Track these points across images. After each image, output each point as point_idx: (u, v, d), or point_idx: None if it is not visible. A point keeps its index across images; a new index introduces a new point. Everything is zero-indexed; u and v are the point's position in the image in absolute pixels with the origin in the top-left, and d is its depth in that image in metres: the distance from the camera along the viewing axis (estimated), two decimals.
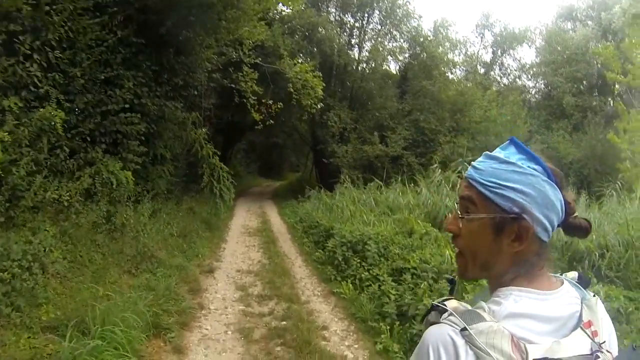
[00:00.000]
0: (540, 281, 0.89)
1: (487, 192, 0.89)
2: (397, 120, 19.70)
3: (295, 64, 11.49)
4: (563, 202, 0.89)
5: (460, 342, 0.78)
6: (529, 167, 0.87)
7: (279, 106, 12.05)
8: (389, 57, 23.16)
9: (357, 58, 22.27)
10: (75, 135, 8.09)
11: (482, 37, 31.24)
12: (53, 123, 6.77)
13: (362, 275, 6.80)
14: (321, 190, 13.69)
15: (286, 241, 10.94)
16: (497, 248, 0.89)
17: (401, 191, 11.80)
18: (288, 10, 16.10)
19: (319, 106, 11.97)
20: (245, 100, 11.71)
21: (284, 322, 5.68)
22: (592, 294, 0.94)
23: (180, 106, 10.16)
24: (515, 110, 22.35)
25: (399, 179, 12.88)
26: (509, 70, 31.82)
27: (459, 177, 10.56)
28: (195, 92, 11.26)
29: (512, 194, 0.86)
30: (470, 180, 0.92)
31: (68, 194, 7.01)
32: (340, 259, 7.71)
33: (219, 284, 7.32)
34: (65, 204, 6.83)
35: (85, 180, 7.93)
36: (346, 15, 22.22)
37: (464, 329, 0.79)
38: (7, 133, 5.66)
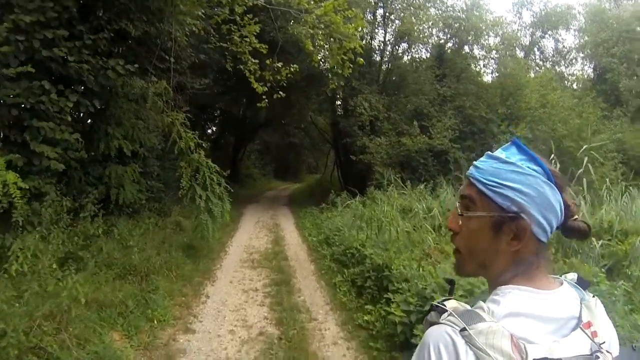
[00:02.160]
0: (538, 280, 0.85)
1: (487, 191, 0.86)
2: (438, 107, 15.42)
3: (315, 6, 7.15)
4: (563, 204, 0.86)
5: (460, 342, 0.73)
6: (528, 167, 0.85)
7: (291, 69, 7.77)
8: (420, 45, 18.85)
9: (384, 39, 17.99)
10: None
11: (519, 17, 26.54)
12: None
13: None
14: (356, 197, 9.53)
15: (308, 279, 6.76)
16: (496, 246, 0.86)
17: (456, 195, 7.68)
18: None
19: (354, 64, 7.57)
20: (242, 67, 7.56)
21: None
22: (591, 295, 0.90)
23: (136, 70, 6.08)
24: (580, 93, 17.90)
25: (460, 177, 8.77)
26: (549, 55, 26.90)
27: None
28: (167, 56, 7.11)
29: (511, 194, 0.84)
30: (472, 179, 0.89)
31: None
32: None
33: None
34: None
35: None
36: None
37: (463, 329, 0.74)
38: None
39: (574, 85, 25.95)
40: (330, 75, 8.71)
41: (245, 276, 6.75)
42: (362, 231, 7.18)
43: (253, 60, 7.45)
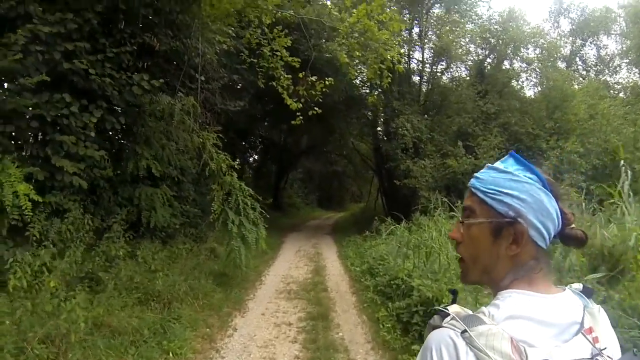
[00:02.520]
0: (538, 284, 0.85)
1: (486, 199, 0.89)
2: (482, 126, 14.51)
3: (347, 14, 6.59)
4: (559, 211, 0.88)
5: (461, 343, 0.74)
6: (525, 176, 0.88)
7: (326, 83, 7.22)
8: (459, 63, 18.05)
9: (422, 58, 17.30)
10: None
11: (557, 26, 25.03)
12: None
13: None
14: (401, 223, 8.75)
15: (348, 312, 6.00)
16: (496, 252, 0.87)
17: None
18: None
19: (393, 71, 6.95)
20: (275, 83, 7.13)
21: None
22: (595, 303, 0.90)
23: (162, 85, 5.78)
24: (631, 99, 16.50)
25: None
26: (592, 63, 25.03)
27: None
28: (195, 73, 6.79)
29: (508, 200, 0.86)
30: (472, 189, 0.92)
31: None
32: None
33: None
34: None
35: None
36: (403, 12, 17.32)
37: (464, 332, 0.75)
38: None
39: (621, 94, 24.05)
40: (369, 89, 8.14)
41: (280, 308, 6.08)
42: (408, 259, 6.38)
43: (286, 76, 7.02)
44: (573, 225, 0.90)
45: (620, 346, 0.86)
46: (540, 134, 14.04)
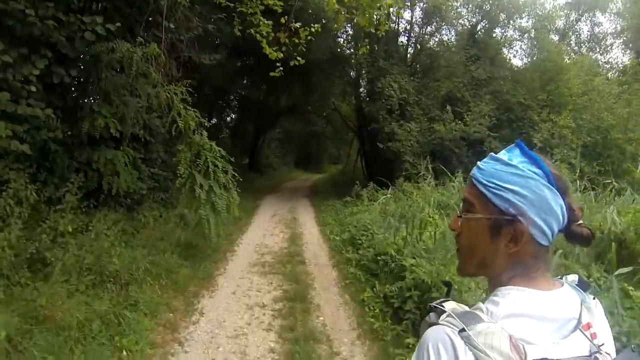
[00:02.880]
0: (538, 282, 0.82)
1: (486, 192, 0.83)
2: (473, 92, 13.76)
3: None
4: (565, 207, 0.82)
5: (459, 342, 0.71)
6: (529, 170, 0.82)
7: (311, 30, 6.40)
8: (449, 27, 17.09)
9: (410, 18, 16.27)
10: None
11: None
12: None
13: None
14: (385, 190, 8.18)
15: (329, 291, 5.41)
16: (494, 248, 0.83)
17: None
18: None
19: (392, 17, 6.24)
20: (253, 31, 6.25)
21: None
22: (591, 296, 0.87)
23: (118, 29, 4.88)
24: (628, 79, 16.01)
25: None
26: (585, 39, 24.49)
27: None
28: (160, 17, 5.83)
29: (509, 196, 0.81)
30: (474, 179, 0.86)
31: None
32: None
33: None
34: None
35: None
36: None
37: (462, 330, 0.72)
38: None
39: (609, 75, 23.72)
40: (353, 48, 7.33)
41: (253, 285, 5.47)
42: (397, 233, 5.79)
43: (265, 22, 6.14)
44: (580, 222, 0.85)
45: None
46: (532, 105, 13.45)
